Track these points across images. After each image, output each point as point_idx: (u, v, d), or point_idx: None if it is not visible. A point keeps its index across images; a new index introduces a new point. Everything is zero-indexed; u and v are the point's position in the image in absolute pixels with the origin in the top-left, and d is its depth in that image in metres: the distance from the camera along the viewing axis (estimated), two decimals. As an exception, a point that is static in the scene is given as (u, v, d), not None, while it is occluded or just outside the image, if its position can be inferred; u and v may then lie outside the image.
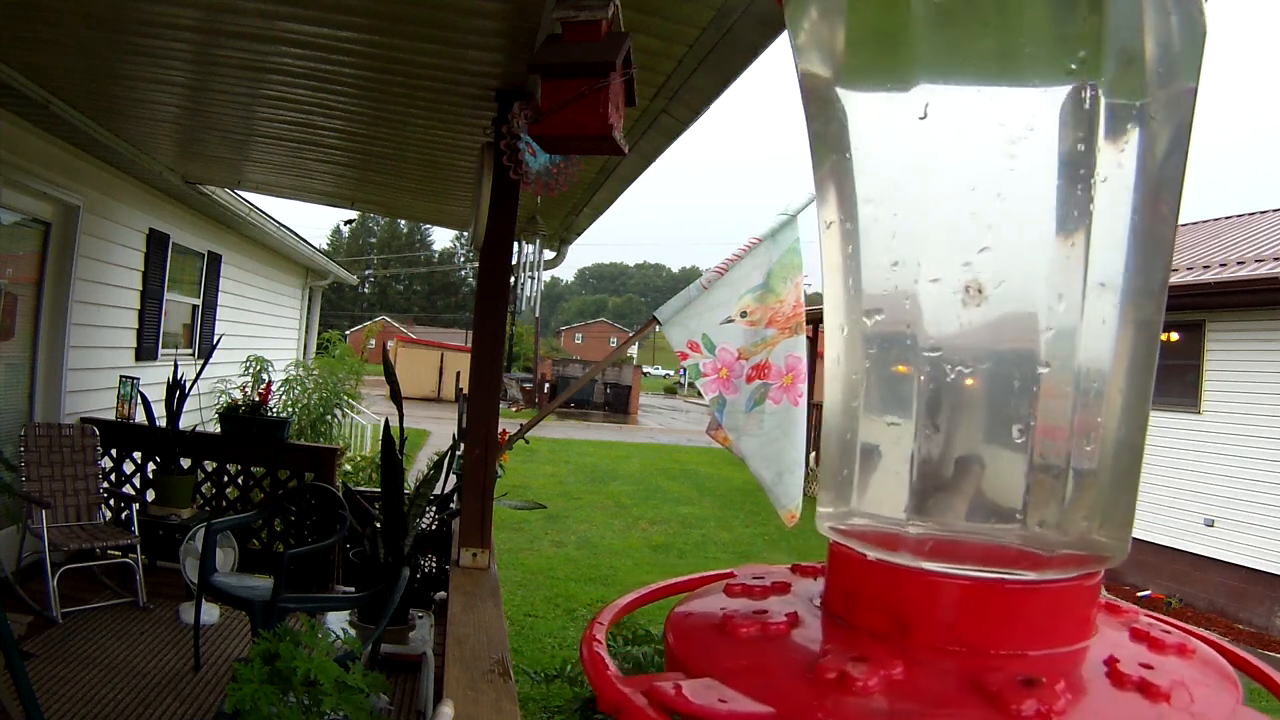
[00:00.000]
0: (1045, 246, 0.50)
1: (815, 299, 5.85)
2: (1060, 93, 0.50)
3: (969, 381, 0.52)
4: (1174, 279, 8.72)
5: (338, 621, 4.13)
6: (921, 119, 0.51)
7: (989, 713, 0.42)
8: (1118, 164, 0.49)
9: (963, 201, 0.51)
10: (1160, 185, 0.51)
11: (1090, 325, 0.50)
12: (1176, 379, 8.73)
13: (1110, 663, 0.47)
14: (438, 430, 16.15)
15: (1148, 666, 0.47)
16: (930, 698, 0.45)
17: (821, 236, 0.61)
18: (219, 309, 8.01)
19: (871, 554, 0.53)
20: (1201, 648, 0.53)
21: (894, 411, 0.55)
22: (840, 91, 0.57)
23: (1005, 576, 0.50)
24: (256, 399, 5.85)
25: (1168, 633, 0.54)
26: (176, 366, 5.48)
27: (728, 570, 0.71)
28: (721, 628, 0.52)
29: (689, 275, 79.20)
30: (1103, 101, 0.49)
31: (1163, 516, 8.62)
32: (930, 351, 0.52)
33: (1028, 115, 0.50)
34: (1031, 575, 0.50)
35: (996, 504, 0.53)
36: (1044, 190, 0.50)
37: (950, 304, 0.51)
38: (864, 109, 0.56)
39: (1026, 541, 0.52)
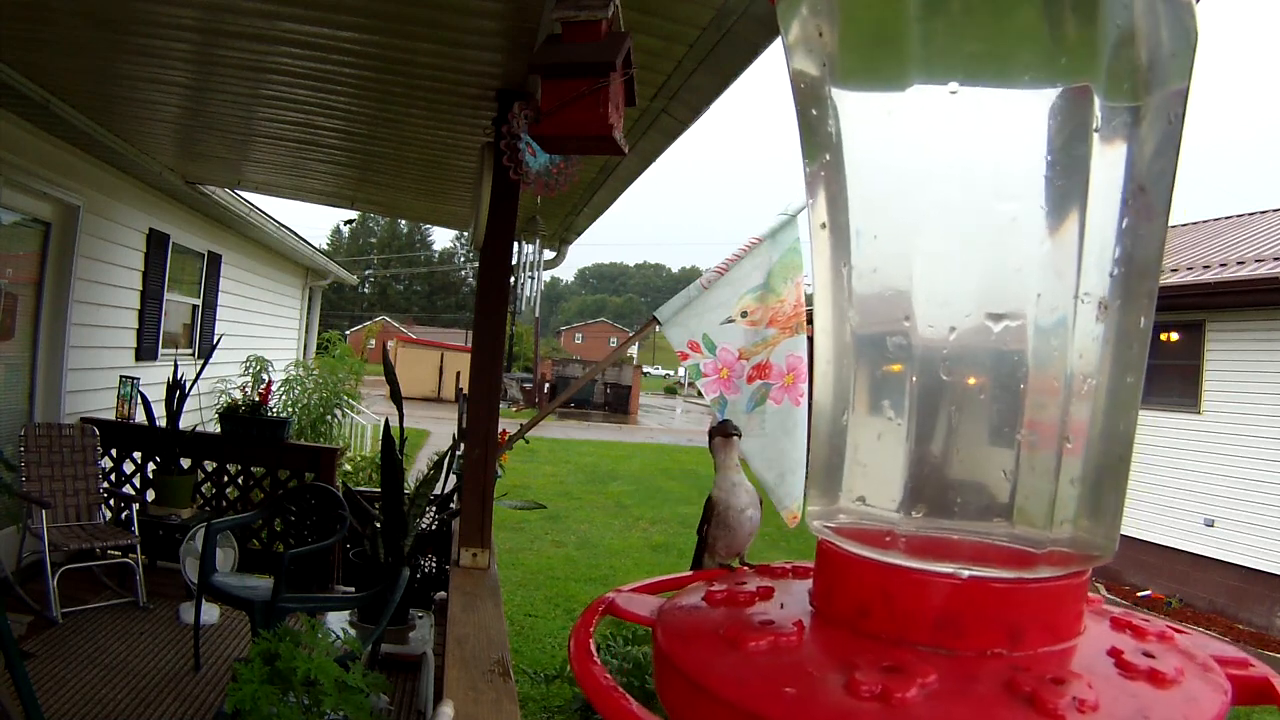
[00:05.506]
0: (1036, 247, 0.50)
1: (815, 299, 5.86)
2: (1053, 94, 0.50)
3: (962, 381, 0.52)
4: (1174, 279, 8.70)
5: (338, 621, 4.13)
6: (914, 120, 0.51)
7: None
8: (1110, 165, 0.50)
9: (954, 202, 0.52)
10: (1152, 186, 0.51)
11: (1083, 326, 0.50)
12: (1176, 379, 8.72)
13: (1115, 654, 0.48)
14: (438, 430, 16.15)
15: (1151, 656, 0.48)
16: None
17: (812, 237, 0.61)
18: (219, 309, 8.00)
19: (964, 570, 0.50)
20: (1179, 638, 0.54)
21: (884, 410, 0.55)
22: (832, 90, 0.57)
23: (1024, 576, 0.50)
24: (256, 399, 5.84)
25: (1146, 621, 0.55)
26: (176, 366, 5.48)
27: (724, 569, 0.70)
28: (840, 691, 0.46)
29: (689, 275, 79.11)
30: (1096, 103, 0.49)
31: (1163, 516, 8.61)
32: (921, 351, 0.52)
33: (1022, 116, 0.51)
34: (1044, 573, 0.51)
35: (992, 502, 0.53)
36: (1036, 191, 0.50)
37: (942, 305, 0.52)
38: (857, 108, 0.56)
39: (1018, 540, 0.52)
